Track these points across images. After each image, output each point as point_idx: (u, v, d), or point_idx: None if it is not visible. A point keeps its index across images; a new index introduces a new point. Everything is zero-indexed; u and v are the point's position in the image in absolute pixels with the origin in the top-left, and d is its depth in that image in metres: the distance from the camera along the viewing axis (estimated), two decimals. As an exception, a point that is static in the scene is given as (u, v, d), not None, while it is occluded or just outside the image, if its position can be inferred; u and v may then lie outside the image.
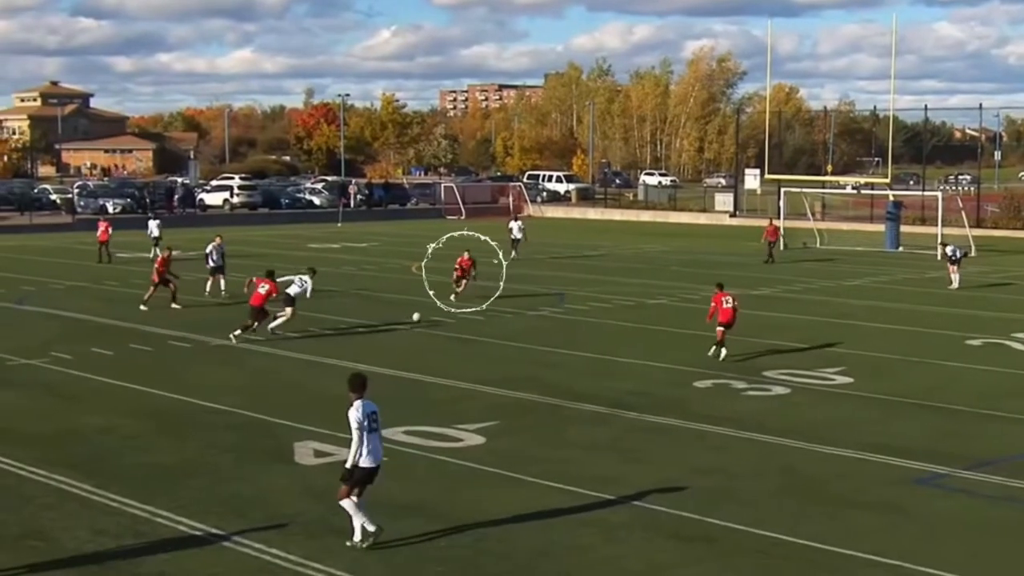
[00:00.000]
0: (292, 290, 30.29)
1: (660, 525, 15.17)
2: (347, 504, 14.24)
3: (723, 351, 26.72)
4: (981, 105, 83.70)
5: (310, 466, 17.87)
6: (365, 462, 14.08)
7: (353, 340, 29.88)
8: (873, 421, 21.16)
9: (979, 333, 31.02)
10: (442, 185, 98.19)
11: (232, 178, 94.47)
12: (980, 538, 14.86)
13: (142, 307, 34.06)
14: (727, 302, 27.10)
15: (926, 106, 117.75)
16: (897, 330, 31.99)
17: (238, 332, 28.93)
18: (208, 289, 37.70)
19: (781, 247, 54.72)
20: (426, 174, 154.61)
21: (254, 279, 30.19)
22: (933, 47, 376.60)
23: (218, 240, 38.33)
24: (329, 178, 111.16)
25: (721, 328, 26.91)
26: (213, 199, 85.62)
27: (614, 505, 15.93)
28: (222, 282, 37.71)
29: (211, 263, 37.77)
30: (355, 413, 14.04)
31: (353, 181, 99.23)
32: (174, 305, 34.36)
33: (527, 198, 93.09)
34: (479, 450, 18.61)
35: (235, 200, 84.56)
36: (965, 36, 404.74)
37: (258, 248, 52.30)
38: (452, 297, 36.03)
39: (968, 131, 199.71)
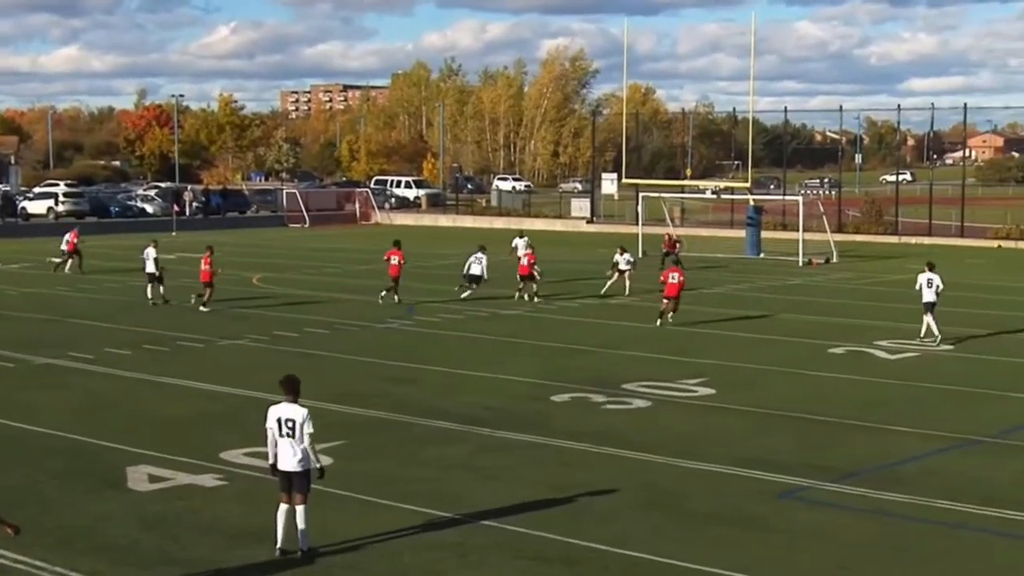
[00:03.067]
0: (475, 270, 39.13)
1: (519, 547, 15.17)
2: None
3: (668, 318, 33.83)
4: (842, 107, 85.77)
5: (144, 492, 17.51)
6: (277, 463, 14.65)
7: (190, 356, 29.43)
8: (736, 434, 21.48)
9: (842, 341, 31.72)
10: (284, 191, 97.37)
11: (57, 185, 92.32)
12: (845, 552, 15.15)
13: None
14: (673, 278, 34.11)
15: (786, 108, 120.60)
16: (759, 339, 32.56)
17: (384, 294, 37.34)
18: (150, 296, 39.21)
19: (640, 253, 55.41)
20: (267, 180, 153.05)
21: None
22: (794, 47, 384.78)
23: (152, 247, 39.75)
24: (163, 184, 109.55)
25: (666, 300, 33.85)
26: (36, 207, 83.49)
27: (471, 527, 15.90)
28: (161, 289, 39.13)
29: (149, 269, 39.41)
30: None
31: (189, 187, 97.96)
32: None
33: (374, 205, 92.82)
34: (327, 472, 18.41)
35: (60, 208, 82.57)
36: (827, 36, 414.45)
37: (86, 260, 51.12)
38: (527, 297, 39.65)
39: (829, 134, 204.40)
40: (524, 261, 40.87)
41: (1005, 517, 16.41)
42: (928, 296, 31.86)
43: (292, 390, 14.66)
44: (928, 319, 31.80)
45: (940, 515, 16.54)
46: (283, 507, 14.63)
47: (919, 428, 21.79)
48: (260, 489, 17.32)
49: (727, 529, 15.92)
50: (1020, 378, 26.95)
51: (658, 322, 33.94)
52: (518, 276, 40.62)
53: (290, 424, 14.47)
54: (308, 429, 14.46)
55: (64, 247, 50.35)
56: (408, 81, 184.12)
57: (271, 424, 14.59)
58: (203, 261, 38.16)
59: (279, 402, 14.71)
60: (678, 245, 53.43)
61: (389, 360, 28.79)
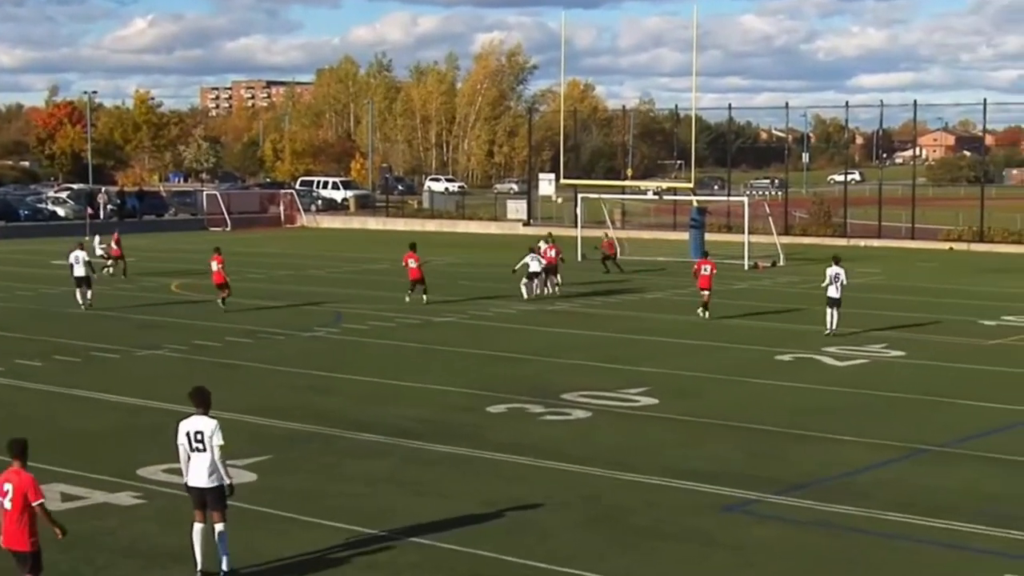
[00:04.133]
0: (534, 267, 42.11)
1: (452, 565, 15.18)
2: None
3: (704, 313, 36.83)
4: (788, 104, 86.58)
5: (57, 512, 17.34)
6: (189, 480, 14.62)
7: (105, 367, 29.21)
8: (680, 445, 21.60)
9: (789, 348, 31.97)
10: (204, 193, 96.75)
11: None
12: (794, 567, 15.28)
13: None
14: (705, 270, 37.14)
15: (730, 105, 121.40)
16: (703, 346, 32.75)
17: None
18: (80, 300, 39.57)
19: (579, 257, 55.61)
20: (186, 181, 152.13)
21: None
22: (739, 42, 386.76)
23: (79, 248, 40.07)
24: (75, 186, 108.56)
25: (704, 292, 37.06)
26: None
27: (399, 544, 15.89)
28: (89, 293, 39.56)
29: (78, 273, 39.77)
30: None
31: (103, 189, 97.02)
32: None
33: (300, 207, 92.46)
34: (248, 488, 18.35)
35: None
36: (772, 30, 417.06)
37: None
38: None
39: (775, 132, 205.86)
40: (551, 253, 43.75)
41: (954, 529, 16.61)
42: (833, 292, 34.09)
43: (202, 403, 14.59)
44: (831, 312, 34.01)
45: (890, 527, 16.71)
46: (198, 526, 14.56)
47: (868, 437, 22.01)
48: (180, 507, 17.18)
49: (672, 544, 16.01)
50: (970, 385, 27.29)
51: (705, 314, 37.15)
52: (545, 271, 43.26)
53: (199, 437, 14.39)
54: (217, 441, 14.38)
55: (101, 253, 51.00)
56: (335, 77, 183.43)
57: (181, 439, 14.51)
58: (215, 262, 39.39)
59: (189, 415, 14.62)
60: (616, 248, 53.69)
61: (314, 370, 28.71)
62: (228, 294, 39.39)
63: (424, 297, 40.61)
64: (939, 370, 29.32)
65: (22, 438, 13.13)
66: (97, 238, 52.25)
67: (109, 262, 50.25)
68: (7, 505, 12.80)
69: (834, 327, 33.93)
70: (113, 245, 50.64)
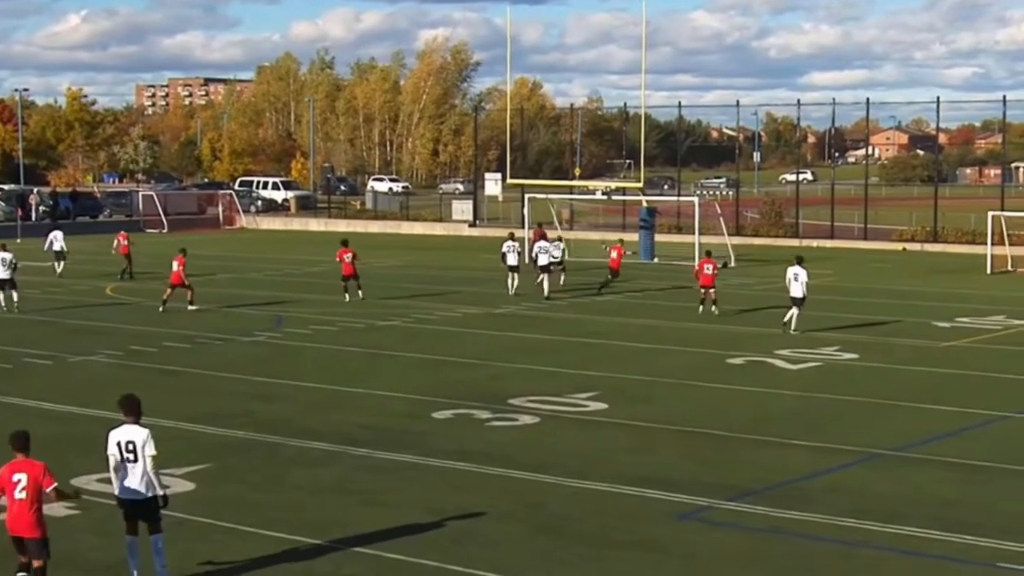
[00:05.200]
0: (543, 260, 43.64)
1: (397, 576, 15.17)
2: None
3: (711, 308, 38.52)
4: (739, 102, 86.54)
5: (-13, 524, 17.21)
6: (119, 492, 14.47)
7: (37, 374, 28.98)
8: (630, 451, 21.64)
9: (741, 351, 32.11)
10: (140, 194, 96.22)
11: None
12: (747, 575, 15.35)
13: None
14: (708, 269, 38.92)
15: (680, 103, 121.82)
16: (654, 349, 32.85)
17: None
18: (3, 303, 39.70)
19: (528, 259, 55.60)
20: (121, 181, 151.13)
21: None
22: (690, 39, 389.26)
23: (3, 250, 40.13)
24: (5, 187, 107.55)
25: (703, 290, 38.99)
26: None
27: (344, 554, 15.84)
28: (14, 295, 39.61)
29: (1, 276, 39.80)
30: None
31: (35, 190, 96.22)
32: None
33: (239, 208, 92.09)
34: (188, 498, 18.26)
35: None
36: (724, 27, 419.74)
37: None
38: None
39: (726, 130, 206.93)
40: (614, 255, 45.41)
41: (907, 534, 16.73)
42: (796, 291, 34.85)
43: (133, 411, 14.44)
44: (794, 311, 34.76)
45: (845, 534, 16.81)
46: (131, 539, 14.46)
47: (821, 442, 22.14)
48: (116, 518, 17.07)
49: (623, 553, 16.03)
50: (924, 388, 27.51)
51: (713, 309, 38.70)
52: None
53: (131, 447, 14.22)
54: (149, 451, 14.23)
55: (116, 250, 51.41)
56: (275, 74, 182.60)
57: (111, 450, 14.32)
58: (176, 262, 39.82)
59: (119, 425, 14.49)
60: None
61: (255, 376, 28.58)
62: (192, 296, 39.95)
63: (360, 292, 41.51)
64: (893, 373, 29.53)
65: (24, 430, 13.83)
66: (58, 233, 52.31)
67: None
68: (20, 495, 13.34)
69: (790, 323, 34.79)
70: (123, 242, 50.97)
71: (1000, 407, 25.35)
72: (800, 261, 35.35)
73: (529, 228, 61.18)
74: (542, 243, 45.19)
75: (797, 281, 34.72)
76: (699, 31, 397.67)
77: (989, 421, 24.26)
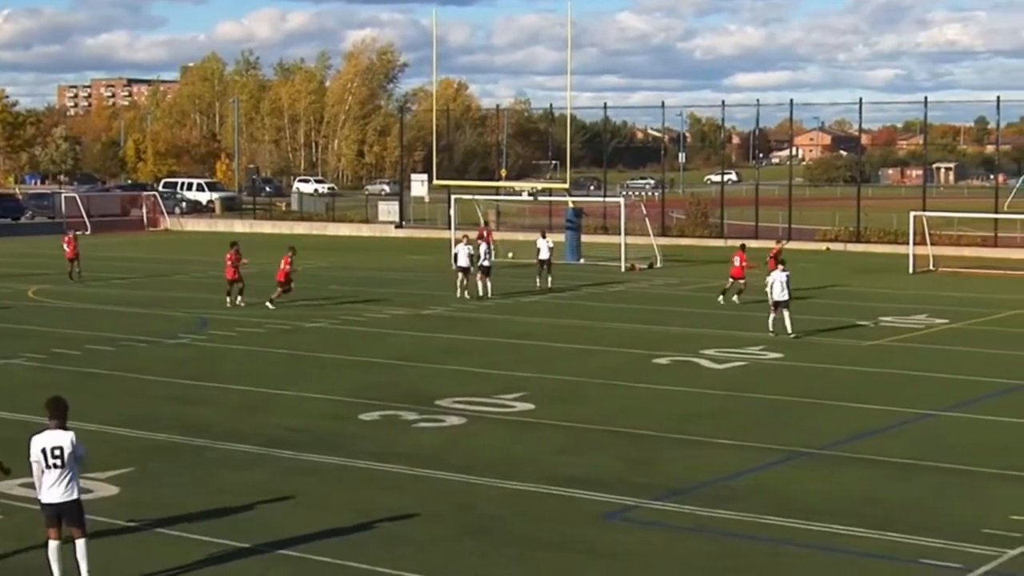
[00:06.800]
0: (485, 262, 44.12)
1: (324, 578, 15.08)
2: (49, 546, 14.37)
3: (732, 298, 40.84)
4: (664, 103, 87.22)
5: (-94, 530, 16.96)
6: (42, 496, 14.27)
7: (-43, 379, 28.62)
8: (557, 451, 21.64)
9: (667, 351, 32.22)
10: (63, 195, 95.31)
11: None
12: (672, 574, 15.38)
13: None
14: (737, 261, 41.38)
15: (605, 104, 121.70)
16: (580, 350, 32.89)
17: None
18: None
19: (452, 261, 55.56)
20: (43, 183, 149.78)
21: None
22: (615, 40, 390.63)
23: None
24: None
25: (731, 280, 41.55)
26: None
27: (270, 557, 15.74)
28: None
29: None
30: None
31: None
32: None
33: (163, 209, 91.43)
34: (111, 502, 18.08)
35: None
36: (649, 28, 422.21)
37: None
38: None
39: (651, 131, 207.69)
40: (737, 261, 43.43)
41: (833, 531, 16.83)
42: (779, 295, 34.71)
43: (60, 414, 14.23)
44: (784, 314, 34.56)
45: (770, 532, 16.89)
46: (54, 544, 14.28)
47: (748, 441, 22.24)
48: (41, 524, 16.88)
49: (551, 554, 16.02)
50: (848, 387, 27.70)
51: (735, 299, 41.01)
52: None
53: (57, 452, 14.02)
54: (82, 451, 14.14)
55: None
56: (200, 75, 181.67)
57: (36, 456, 14.10)
58: (283, 261, 41.13)
59: (43, 430, 14.27)
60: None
61: (180, 378, 28.36)
62: (280, 293, 40.86)
63: (240, 299, 41.07)
64: (817, 372, 29.72)
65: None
66: None
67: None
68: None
69: (779, 327, 34.53)
70: (65, 247, 50.08)
71: (924, 405, 25.57)
72: (782, 264, 35.48)
73: (456, 228, 61.28)
74: (484, 245, 45.30)
75: (780, 284, 34.53)
76: (625, 32, 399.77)
77: (913, 419, 24.46)
